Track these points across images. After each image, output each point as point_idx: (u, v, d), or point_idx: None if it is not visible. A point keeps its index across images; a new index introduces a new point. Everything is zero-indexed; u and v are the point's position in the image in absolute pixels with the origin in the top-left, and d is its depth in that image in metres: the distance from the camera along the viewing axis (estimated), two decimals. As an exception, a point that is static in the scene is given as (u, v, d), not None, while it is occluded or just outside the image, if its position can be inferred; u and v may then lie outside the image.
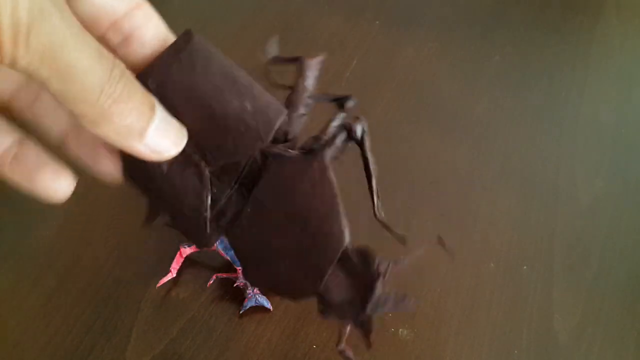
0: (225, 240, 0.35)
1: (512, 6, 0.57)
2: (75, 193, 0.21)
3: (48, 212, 0.38)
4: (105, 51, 0.16)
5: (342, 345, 0.21)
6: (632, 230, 0.40)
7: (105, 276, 0.36)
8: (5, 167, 0.20)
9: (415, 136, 0.45)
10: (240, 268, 0.34)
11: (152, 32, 0.20)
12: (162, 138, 0.18)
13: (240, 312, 0.34)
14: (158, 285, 0.35)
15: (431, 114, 0.47)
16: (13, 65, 0.15)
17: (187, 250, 0.35)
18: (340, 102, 0.21)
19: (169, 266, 0.35)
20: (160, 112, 0.18)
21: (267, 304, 0.34)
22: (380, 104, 0.47)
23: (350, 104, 0.21)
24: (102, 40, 0.20)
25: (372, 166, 0.22)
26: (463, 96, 0.48)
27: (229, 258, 0.34)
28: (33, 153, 0.20)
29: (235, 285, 0.34)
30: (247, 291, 0.34)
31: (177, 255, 0.35)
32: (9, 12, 0.14)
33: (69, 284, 0.35)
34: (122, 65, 0.17)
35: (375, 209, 0.21)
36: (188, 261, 0.36)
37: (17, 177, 0.20)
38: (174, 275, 0.35)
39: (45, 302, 0.35)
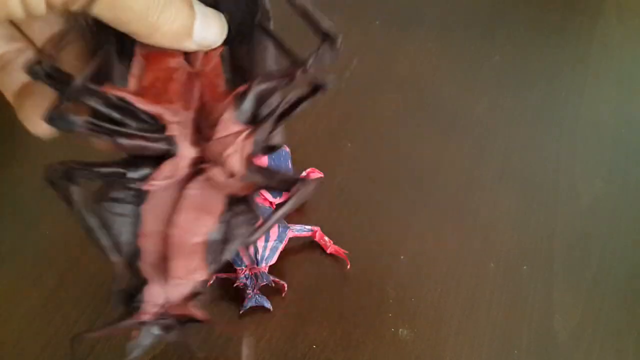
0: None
1: (512, 6, 0.57)
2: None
3: (48, 212, 0.38)
4: None
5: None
6: (632, 230, 0.40)
7: (105, 276, 0.36)
8: None
9: (415, 136, 0.45)
10: (240, 268, 0.34)
11: None
12: (207, 31, 0.19)
13: (240, 312, 0.34)
14: (158, 285, 0.35)
15: (431, 114, 0.47)
16: (72, 3, 0.16)
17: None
18: (324, 36, 0.20)
19: (169, 266, 0.35)
20: (199, 8, 0.19)
21: (267, 304, 0.34)
22: (380, 104, 0.47)
23: (327, 51, 0.20)
24: None
25: None
26: (463, 96, 0.48)
27: (229, 258, 0.34)
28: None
29: (235, 285, 0.34)
30: (247, 291, 0.34)
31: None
32: None
33: (69, 283, 0.35)
34: None
35: None
36: (188, 261, 0.36)
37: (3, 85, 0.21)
38: (174, 275, 0.35)
39: (45, 302, 0.35)
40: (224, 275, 0.35)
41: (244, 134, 0.19)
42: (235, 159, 0.19)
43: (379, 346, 0.34)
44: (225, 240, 0.19)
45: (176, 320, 0.21)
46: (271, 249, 0.35)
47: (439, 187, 0.42)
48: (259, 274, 0.34)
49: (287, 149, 0.39)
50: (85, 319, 0.34)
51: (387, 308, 0.35)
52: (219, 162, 0.19)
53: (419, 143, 0.45)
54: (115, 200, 0.19)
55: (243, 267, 0.34)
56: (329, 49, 0.19)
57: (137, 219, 0.19)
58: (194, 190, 0.19)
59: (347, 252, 0.37)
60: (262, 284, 0.34)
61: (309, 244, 0.38)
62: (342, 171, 0.42)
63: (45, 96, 0.19)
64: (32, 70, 0.18)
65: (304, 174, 0.40)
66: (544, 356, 0.34)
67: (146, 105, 0.19)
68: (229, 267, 0.35)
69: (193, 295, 0.20)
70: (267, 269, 0.35)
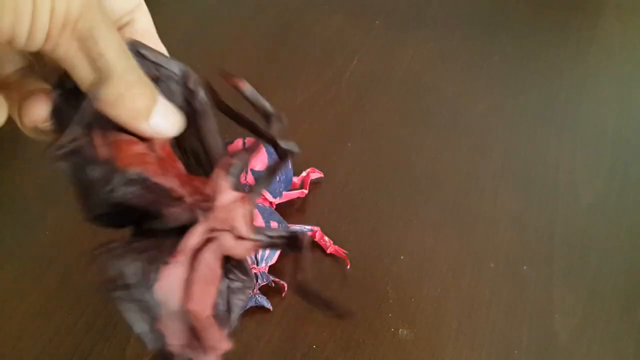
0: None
1: (512, 6, 0.57)
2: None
3: (48, 212, 0.38)
4: (123, 42, 0.18)
5: None
6: (632, 230, 0.40)
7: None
8: None
9: (415, 136, 0.45)
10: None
11: (144, 27, 0.23)
12: (163, 120, 0.20)
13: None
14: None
15: (431, 114, 0.47)
16: (52, 51, 0.16)
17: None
18: (267, 116, 0.21)
19: (169, 266, 0.35)
20: (161, 99, 0.20)
21: (267, 304, 0.34)
22: (380, 104, 0.47)
23: (277, 124, 0.21)
24: None
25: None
26: (463, 96, 0.48)
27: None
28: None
29: (235, 285, 0.34)
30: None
31: (177, 255, 0.35)
32: (64, 4, 0.15)
33: (69, 283, 0.35)
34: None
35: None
36: (188, 261, 0.36)
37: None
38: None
39: (45, 302, 0.35)
40: (224, 275, 0.35)
41: (243, 199, 0.20)
42: (241, 222, 0.20)
43: (379, 346, 0.34)
44: (228, 309, 0.21)
45: None
46: (271, 249, 0.35)
47: (439, 187, 0.42)
48: (259, 274, 0.34)
49: (290, 166, 0.39)
50: (85, 319, 0.34)
51: (387, 308, 0.35)
52: (226, 227, 0.20)
53: (419, 143, 0.45)
54: (128, 287, 0.19)
55: (243, 267, 0.34)
56: (278, 124, 0.21)
57: (151, 303, 0.19)
58: (203, 261, 0.20)
59: (347, 252, 0.37)
60: (262, 284, 0.34)
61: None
62: (342, 171, 0.42)
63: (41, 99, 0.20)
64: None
65: (303, 174, 0.40)
66: (544, 356, 0.34)
67: (161, 179, 0.19)
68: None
69: None
70: (267, 269, 0.35)
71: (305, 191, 0.40)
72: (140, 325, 0.19)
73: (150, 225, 0.20)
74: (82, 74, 0.18)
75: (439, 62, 0.51)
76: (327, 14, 0.55)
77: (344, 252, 0.37)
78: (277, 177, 0.37)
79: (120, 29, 0.22)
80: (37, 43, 0.16)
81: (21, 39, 0.16)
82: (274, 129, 0.20)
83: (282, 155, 0.21)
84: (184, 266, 0.20)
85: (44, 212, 0.38)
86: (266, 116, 0.21)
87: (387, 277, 0.37)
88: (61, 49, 0.16)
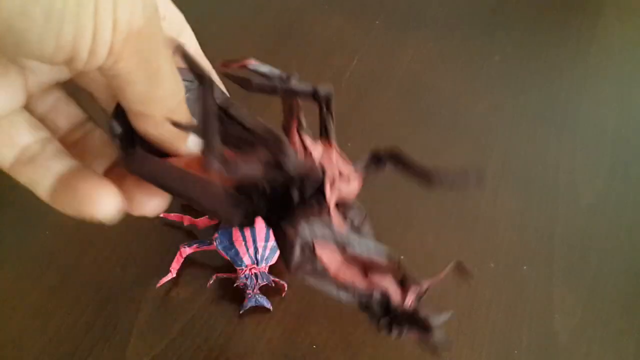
0: (225, 239, 0.35)
1: (512, 6, 0.57)
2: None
3: (48, 212, 0.38)
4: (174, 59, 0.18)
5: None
6: (632, 230, 0.40)
7: (105, 276, 0.36)
8: (21, 166, 0.19)
9: (415, 136, 0.45)
10: (240, 268, 0.34)
11: (191, 50, 0.23)
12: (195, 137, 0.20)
13: (240, 312, 0.34)
14: (158, 285, 0.35)
15: (431, 114, 0.47)
16: (113, 66, 0.15)
17: (187, 250, 0.35)
18: (283, 80, 0.21)
19: (169, 266, 0.35)
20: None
21: (267, 304, 0.34)
22: (380, 104, 0.47)
23: (294, 81, 0.21)
24: None
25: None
26: (463, 96, 0.48)
27: (229, 258, 0.34)
28: (56, 160, 0.19)
29: (235, 285, 0.34)
30: (247, 291, 0.34)
31: (177, 255, 0.35)
32: (127, 16, 0.14)
33: (69, 283, 0.35)
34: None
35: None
36: (188, 261, 0.36)
37: (25, 179, 0.19)
38: (174, 275, 0.35)
39: (45, 301, 0.35)
40: (224, 275, 0.35)
41: (327, 143, 0.22)
42: (340, 163, 0.21)
43: (379, 346, 0.34)
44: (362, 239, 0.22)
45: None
46: (271, 249, 0.35)
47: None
48: (259, 274, 0.34)
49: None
50: (85, 319, 0.34)
51: (387, 308, 0.35)
52: (335, 176, 0.21)
53: (419, 143, 0.45)
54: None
55: (243, 267, 0.34)
56: (295, 80, 0.22)
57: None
58: (333, 213, 0.21)
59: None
60: (262, 284, 0.34)
61: (309, 244, 0.38)
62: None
63: (93, 182, 0.19)
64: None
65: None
66: (544, 356, 0.34)
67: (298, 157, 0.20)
68: (229, 267, 0.35)
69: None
70: (267, 269, 0.35)
71: (305, 191, 0.40)
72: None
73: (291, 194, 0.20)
74: (137, 90, 0.17)
75: (439, 62, 0.51)
76: (327, 14, 0.55)
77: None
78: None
79: None
80: (99, 58, 0.15)
81: (83, 55, 0.14)
82: (298, 84, 0.21)
83: (325, 100, 0.21)
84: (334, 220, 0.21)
85: (44, 212, 0.38)
86: (286, 80, 0.21)
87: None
88: (121, 64, 0.15)
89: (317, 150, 0.21)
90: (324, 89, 0.21)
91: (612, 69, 0.52)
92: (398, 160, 0.22)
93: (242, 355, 0.33)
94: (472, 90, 0.49)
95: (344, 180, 0.21)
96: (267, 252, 0.35)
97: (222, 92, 0.22)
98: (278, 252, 0.35)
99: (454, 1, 0.57)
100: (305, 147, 0.21)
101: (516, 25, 0.55)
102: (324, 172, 0.20)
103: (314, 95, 0.21)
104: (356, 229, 0.22)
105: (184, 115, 0.19)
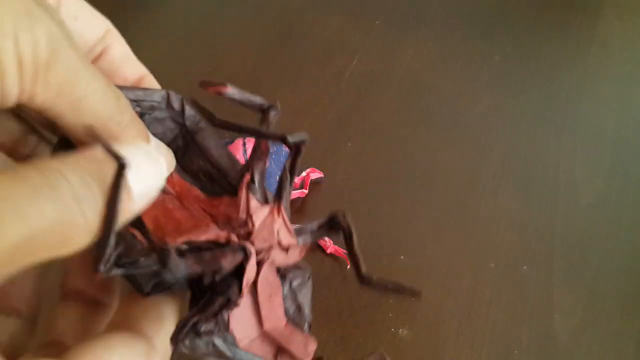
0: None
1: (512, 6, 0.57)
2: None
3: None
4: (110, 81, 0.17)
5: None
6: (632, 230, 0.40)
7: (105, 276, 0.36)
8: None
9: (415, 136, 0.45)
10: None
11: (120, 52, 0.21)
12: (153, 165, 0.19)
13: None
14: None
15: (431, 114, 0.47)
16: (30, 101, 0.15)
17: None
18: (262, 110, 0.20)
19: (169, 266, 0.35)
20: (154, 140, 0.19)
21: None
22: (380, 104, 0.47)
23: (272, 113, 0.20)
24: None
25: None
26: (463, 96, 0.48)
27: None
28: None
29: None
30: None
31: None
32: (30, 51, 0.14)
33: (69, 284, 0.35)
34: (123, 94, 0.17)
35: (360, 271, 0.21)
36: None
37: None
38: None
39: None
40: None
41: (273, 210, 0.20)
42: (282, 233, 0.20)
43: (379, 346, 0.34)
44: (298, 308, 0.21)
45: None
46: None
47: (439, 187, 0.42)
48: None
49: (287, 149, 0.39)
50: (85, 319, 0.34)
51: (387, 308, 0.35)
52: (271, 244, 0.20)
53: (419, 143, 0.45)
54: (209, 333, 0.19)
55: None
56: (273, 112, 0.20)
57: (228, 346, 0.19)
58: (261, 283, 0.20)
59: (347, 252, 0.37)
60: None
61: (309, 244, 0.38)
62: (342, 171, 0.42)
63: None
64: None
65: (303, 174, 0.40)
66: (544, 356, 0.34)
67: (204, 233, 0.19)
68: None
69: None
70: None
71: (305, 191, 0.40)
72: None
73: (206, 281, 0.19)
74: (69, 122, 0.16)
75: (439, 62, 0.51)
76: (327, 14, 0.55)
77: (343, 252, 0.37)
78: (276, 175, 0.37)
79: (94, 61, 0.21)
80: (11, 98, 0.14)
81: None
82: (272, 118, 0.20)
83: (295, 148, 0.20)
84: (247, 297, 0.20)
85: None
86: (262, 110, 0.20)
87: (387, 277, 0.37)
88: (39, 98, 0.15)
89: (259, 214, 0.19)
90: (296, 136, 0.20)
91: (612, 69, 0.52)
92: (349, 239, 0.21)
93: (242, 355, 0.33)
94: (472, 90, 0.49)
95: (282, 249, 0.20)
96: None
97: (195, 113, 0.21)
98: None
99: (454, 1, 0.57)
100: (248, 210, 0.20)
101: (516, 25, 0.55)
102: (246, 252, 0.19)
103: (284, 141, 0.20)
104: (292, 291, 0.21)
105: (135, 135, 0.18)
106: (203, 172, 0.21)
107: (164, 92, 0.21)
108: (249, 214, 0.19)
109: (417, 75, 0.50)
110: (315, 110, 0.46)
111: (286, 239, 0.20)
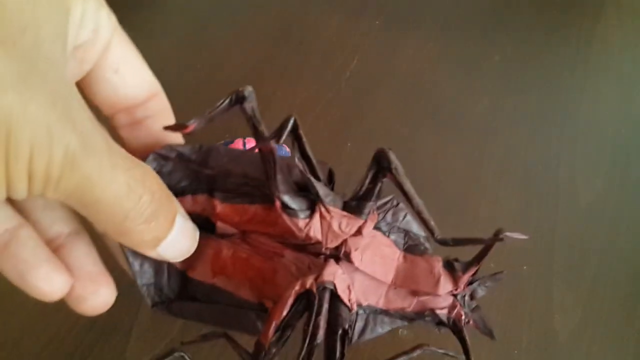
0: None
1: (512, 6, 0.57)
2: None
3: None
4: (135, 181, 0.16)
5: None
6: (632, 230, 0.40)
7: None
8: None
9: (415, 136, 0.45)
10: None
11: (161, 123, 0.20)
12: (173, 247, 0.18)
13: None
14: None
15: (431, 114, 0.47)
16: (40, 197, 0.15)
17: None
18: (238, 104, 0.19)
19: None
20: (179, 223, 0.18)
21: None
22: (380, 104, 0.47)
23: (248, 106, 0.19)
24: (111, 119, 0.20)
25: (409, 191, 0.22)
26: (463, 96, 0.48)
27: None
28: (28, 245, 0.18)
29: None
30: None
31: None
32: (43, 169, 0.13)
33: (69, 284, 0.35)
34: (155, 187, 0.17)
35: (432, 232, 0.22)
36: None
37: (5, 267, 0.18)
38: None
39: (45, 302, 0.34)
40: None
41: (324, 211, 0.20)
42: (344, 224, 0.21)
43: (378, 346, 0.34)
44: (405, 233, 0.24)
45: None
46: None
47: (439, 187, 0.42)
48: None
49: (288, 149, 0.39)
50: (85, 319, 0.34)
51: (387, 308, 0.35)
52: (345, 238, 0.21)
53: (419, 143, 0.45)
54: None
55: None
56: (248, 104, 0.19)
57: None
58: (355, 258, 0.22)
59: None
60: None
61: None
62: (342, 171, 0.42)
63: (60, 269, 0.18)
64: None
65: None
66: (544, 356, 0.34)
67: (291, 296, 0.20)
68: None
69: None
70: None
71: (305, 191, 0.40)
72: None
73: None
74: (80, 211, 0.16)
75: (439, 62, 0.51)
76: (327, 14, 0.55)
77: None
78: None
79: (134, 125, 0.20)
80: (18, 197, 0.14)
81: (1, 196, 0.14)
82: (249, 109, 0.19)
83: (293, 135, 0.21)
84: (356, 272, 0.21)
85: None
86: (238, 105, 0.19)
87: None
88: (49, 197, 0.14)
89: (313, 226, 0.20)
90: (283, 127, 0.20)
91: (612, 69, 0.52)
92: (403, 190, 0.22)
93: (242, 355, 0.33)
94: (472, 90, 0.49)
95: (357, 235, 0.21)
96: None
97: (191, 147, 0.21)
98: None
99: (454, 1, 0.57)
100: (299, 230, 0.20)
101: (516, 25, 0.55)
102: (334, 287, 0.20)
103: (278, 136, 0.20)
104: (390, 224, 0.23)
105: (144, 234, 0.17)
106: (240, 185, 0.21)
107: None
108: (303, 233, 0.20)
109: (417, 75, 0.50)
110: (316, 110, 0.46)
111: (351, 225, 0.21)
